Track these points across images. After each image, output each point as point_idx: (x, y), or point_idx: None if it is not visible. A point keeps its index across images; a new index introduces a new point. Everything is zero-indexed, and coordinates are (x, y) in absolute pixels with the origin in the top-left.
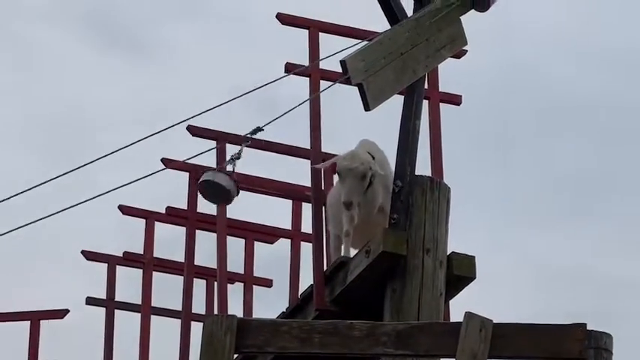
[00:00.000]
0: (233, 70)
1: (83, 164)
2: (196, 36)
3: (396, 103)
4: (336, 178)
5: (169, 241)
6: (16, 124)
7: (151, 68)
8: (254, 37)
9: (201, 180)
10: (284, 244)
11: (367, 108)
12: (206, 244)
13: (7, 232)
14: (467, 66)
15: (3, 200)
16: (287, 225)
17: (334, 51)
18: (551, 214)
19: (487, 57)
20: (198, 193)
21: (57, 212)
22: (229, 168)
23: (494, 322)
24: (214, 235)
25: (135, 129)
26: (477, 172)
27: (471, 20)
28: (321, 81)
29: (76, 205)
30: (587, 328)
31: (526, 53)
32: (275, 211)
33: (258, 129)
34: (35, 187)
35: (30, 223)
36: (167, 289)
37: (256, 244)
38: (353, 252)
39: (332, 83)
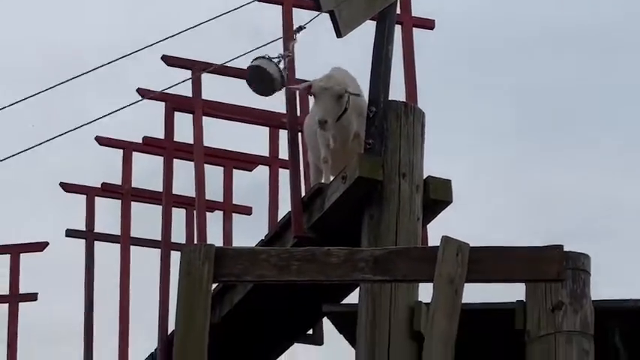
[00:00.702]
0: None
1: (55, 84)
2: None
3: (369, 28)
4: (311, 104)
5: (148, 172)
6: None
7: None
8: None
9: (251, 64)
10: (263, 171)
11: (339, 35)
12: (185, 173)
13: None
14: None
15: None
16: (265, 152)
17: None
18: (528, 137)
19: None
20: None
21: (36, 145)
22: (281, 65)
23: (472, 245)
24: (193, 163)
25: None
26: (452, 96)
27: None
28: (294, 9)
29: (55, 137)
30: (565, 249)
31: None
32: (253, 139)
33: (301, 27)
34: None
35: (8, 158)
36: (147, 219)
37: (235, 171)
38: (332, 179)
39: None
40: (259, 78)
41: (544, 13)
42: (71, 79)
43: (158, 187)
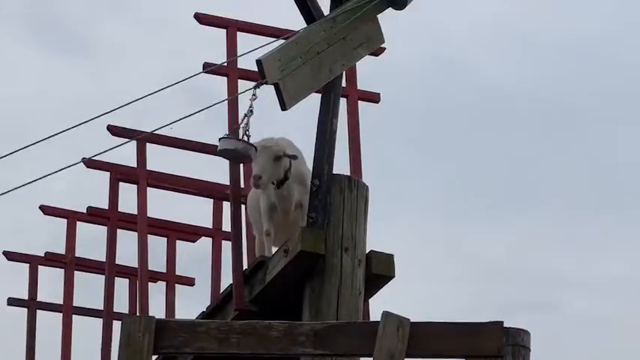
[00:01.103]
0: (160, 69)
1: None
2: (124, 34)
3: (314, 102)
4: None
5: (91, 240)
6: None
7: (81, 66)
8: (177, 37)
9: (218, 150)
10: (206, 242)
11: (284, 107)
12: (128, 241)
13: None
14: (387, 63)
15: None
16: (209, 223)
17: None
18: (476, 209)
19: (407, 54)
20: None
21: None
22: (240, 133)
23: (412, 320)
24: (136, 234)
25: (67, 126)
26: (399, 169)
27: (389, 18)
28: (239, 80)
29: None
30: (505, 325)
31: (446, 50)
32: (196, 210)
33: (261, 83)
34: None
35: None
36: (90, 289)
37: (178, 242)
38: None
39: (249, 88)
40: (230, 156)
41: (488, 84)
42: (21, 148)
43: (101, 252)
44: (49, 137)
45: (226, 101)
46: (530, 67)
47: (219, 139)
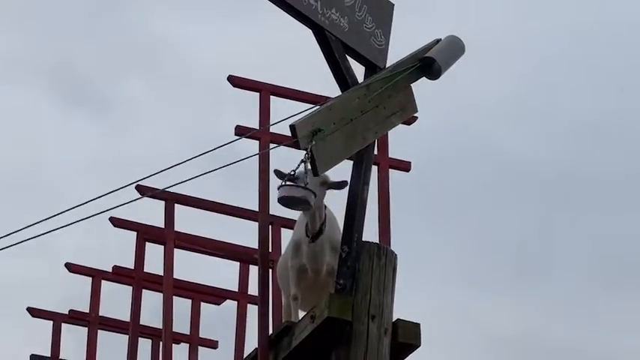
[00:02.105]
0: (189, 129)
1: (32, 223)
2: (153, 94)
3: (346, 168)
4: (284, 242)
5: (116, 297)
6: None
7: (108, 124)
8: (209, 97)
9: (279, 197)
10: (231, 304)
11: (316, 173)
12: (152, 301)
13: None
14: (418, 132)
15: None
16: (234, 286)
17: (285, 113)
18: (496, 281)
19: (438, 123)
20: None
21: None
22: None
23: None
24: (161, 295)
25: (92, 184)
26: (424, 238)
27: (422, 87)
28: (271, 144)
29: (10, 246)
30: None
31: (475, 121)
32: (222, 271)
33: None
34: None
35: None
36: (112, 348)
37: (202, 304)
38: (302, 315)
39: (275, 145)
40: (292, 203)
41: (509, 154)
42: (53, 216)
43: (125, 315)
44: (82, 205)
45: (257, 165)
46: (556, 141)
47: (280, 186)
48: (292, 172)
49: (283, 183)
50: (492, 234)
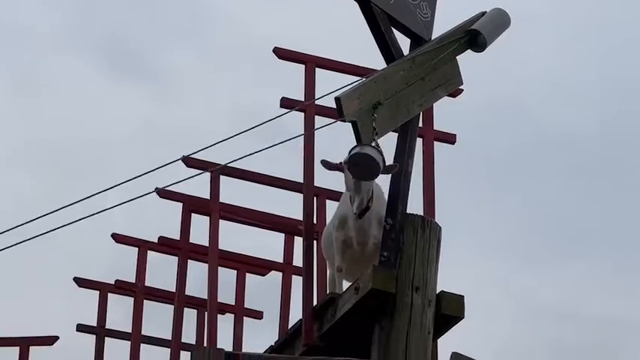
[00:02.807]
0: (234, 100)
1: (80, 199)
2: (200, 63)
3: (390, 141)
4: (328, 213)
5: (162, 267)
6: (24, 150)
7: (155, 94)
8: (257, 66)
9: (356, 153)
10: (275, 275)
11: (359, 142)
12: (198, 272)
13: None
14: (463, 104)
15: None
16: (279, 257)
17: (331, 85)
18: (537, 253)
19: (484, 95)
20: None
21: (47, 232)
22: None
23: None
24: (206, 265)
25: (139, 154)
26: (468, 210)
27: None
28: (316, 116)
29: (67, 225)
30: None
31: (520, 92)
32: (267, 243)
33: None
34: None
35: (20, 243)
36: (158, 318)
37: (247, 275)
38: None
39: (333, 121)
40: (366, 165)
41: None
42: (97, 193)
43: (171, 281)
44: (131, 180)
45: (302, 137)
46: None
47: (353, 148)
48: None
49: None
50: (534, 206)
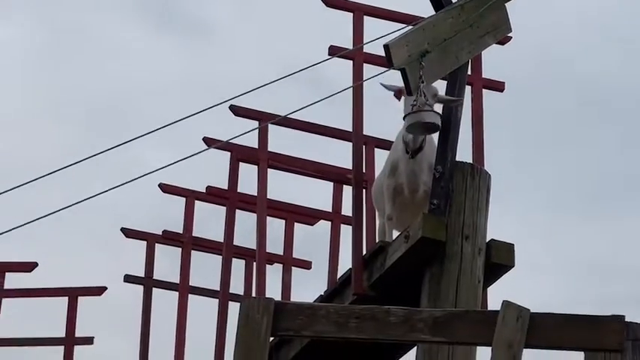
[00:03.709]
0: (278, 49)
1: (123, 142)
2: (241, 15)
3: (438, 88)
4: (377, 162)
5: (208, 218)
6: (66, 102)
7: (198, 46)
8: (300, 17)
9: (409, 125)
10: (324, 225)
11: (410, 93)
12: (245, 222)
13: (51, 214)
14: (511, 52)
15: (46, 175)
16: (327, 206)
17: (378, 33)
18: (586, 206)
19: (531, 43)
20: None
21: (100, 193)
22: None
23: (532, 311)
24: (253, 215)
25: (181, 106)
26: (516, 160)
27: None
28: (364, 64)
29: (119, 186)
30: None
31: (568, 41)
32: (315, 193)
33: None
34: (79, 162)
35: (74, 204)
36: (205, 268)
37: (296, 224)
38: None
39: (376, 74)
40: (422, 129)
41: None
42: (143, 135)
43: (217, 236)
44: (176, 122)
45: (350, 86)
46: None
47: (409, 114)
48: (414, 102)
49: (412, 110)
50: (578, 158)
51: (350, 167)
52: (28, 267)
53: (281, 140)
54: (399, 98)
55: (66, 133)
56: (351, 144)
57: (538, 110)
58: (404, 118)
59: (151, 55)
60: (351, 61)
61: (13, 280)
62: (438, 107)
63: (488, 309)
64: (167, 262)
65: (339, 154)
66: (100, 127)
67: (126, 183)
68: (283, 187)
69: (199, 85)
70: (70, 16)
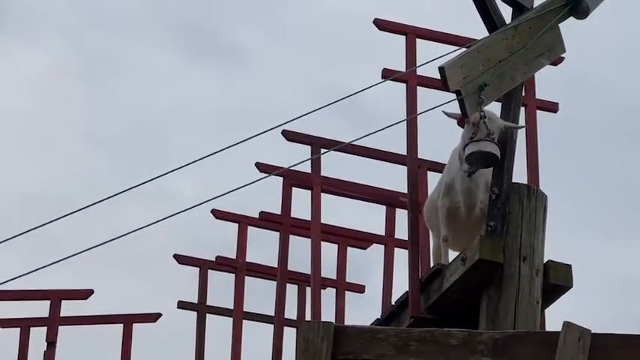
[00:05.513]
0: (328, 73)
1: (172, 169)
2: (289, 39)
3: (494, 110)
4: (430, 186)
5: (259, 242)
6: (109, 134)
7: (243, 74)
8: (351, 41)
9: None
10: (377, 248)
11: (465, 115)
12: (297, 247)
13: (103, 243)
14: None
15: (89, 206)
16: (380, 230)
17: (431, 57)
18: (626, 228)
19: (586, 62)
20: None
21: (156, 222)
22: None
23: (593, 332)
24: (305, 239)
25: (227, 134)
26: (568, 179)
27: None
28: (418, 87)
29: (171, 216)
30: None
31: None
32: (368, 217)
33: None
34: (126, 190)
35: (132, 232)
36: (257, 294)
37: (348, 248)
38: (453, 256)
39: (435, 106)
40: (482, 158)
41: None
42: (192, 162)
43: (269, 261)
44: (227, 148)
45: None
46: None
47: (468, 143)
48: (474, 134)
49: (471, 139)
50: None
51: (400, 189)
52: (84, 294)
53: (333, 164)
54: (461, 125)
55: (103, 159)
56: (399, 166)
57: (590, 130)
58: (464, 147)
59: (191, 81)
60: (405, 84)
61: (68, 308)
62: None
63: (547, 330)
64: (220, 288)
65: (390, 177)
66: (137, 153)
67: (180, 212)
68: (334, 210)
69: (244, 112)
70: (101, 42)
